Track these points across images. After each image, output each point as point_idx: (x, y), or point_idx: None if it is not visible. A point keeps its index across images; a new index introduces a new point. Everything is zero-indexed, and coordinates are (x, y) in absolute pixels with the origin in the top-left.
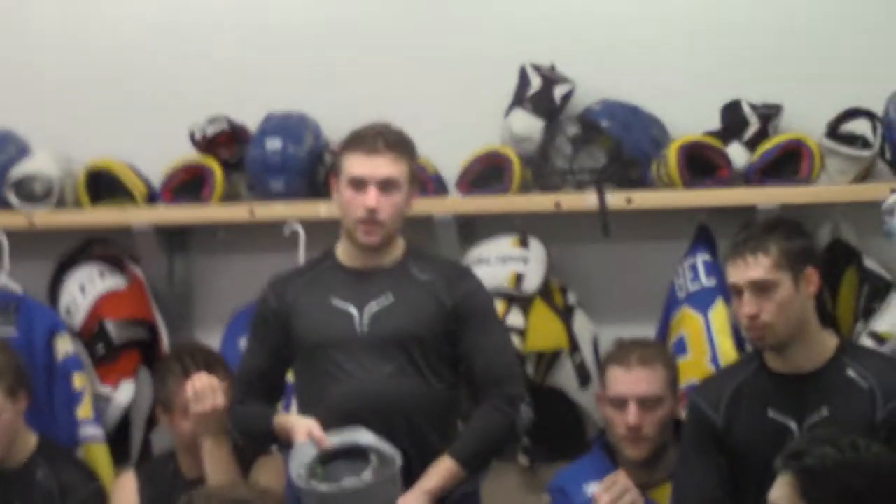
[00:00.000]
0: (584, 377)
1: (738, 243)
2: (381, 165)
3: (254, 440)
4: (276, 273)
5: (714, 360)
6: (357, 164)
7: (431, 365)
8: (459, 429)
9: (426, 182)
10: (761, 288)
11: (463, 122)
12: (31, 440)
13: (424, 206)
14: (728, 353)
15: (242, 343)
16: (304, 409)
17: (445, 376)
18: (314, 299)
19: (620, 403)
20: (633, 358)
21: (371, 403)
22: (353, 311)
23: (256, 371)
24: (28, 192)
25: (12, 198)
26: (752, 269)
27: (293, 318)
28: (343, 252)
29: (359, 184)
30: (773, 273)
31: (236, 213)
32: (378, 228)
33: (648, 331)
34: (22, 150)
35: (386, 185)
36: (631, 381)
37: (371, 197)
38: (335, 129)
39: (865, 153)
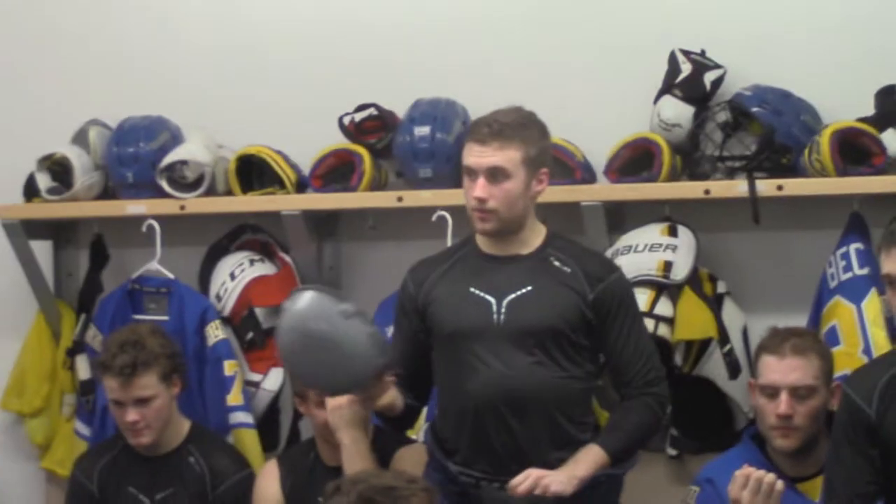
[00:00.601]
0: (733, 367)
1: (892, 231)
2: (487, 154)
3: (390, 424)
4: (417, 260)
5: (867, 351)
6: (468, 154)
7: (569, 356)
8: (594, 416)
9: (574, 169)
10: None
11: (612, 108)
12: (183, 426)
13: (572, 193)
14: (882, 344)
15: (388, 332)
16: (442, 399)
17: (583, 366)
18: (452, 287)
19: (772, 392)
20: (786, 346)
21: (508, 394)
22: (492, 300)
23: (399, 359)
24: (180, 178)
25: (164, 184)
26: None
27: (431, 306)
28: (481, 238)
29: (470, 173)
30: None
31: (384, 199)
32: (490, 216)
33: (799, 320)
34: (175, 138)
35: (493, 174)
36: (783, 369)
37: (478, 186)
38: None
39: None
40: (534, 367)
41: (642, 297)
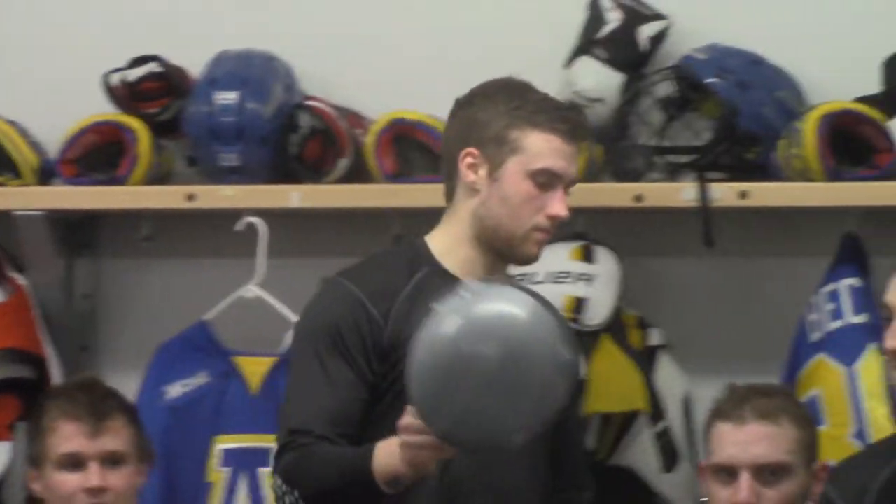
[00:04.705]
0: (669, 454)
1: None
2: (575, 160)
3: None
4: (350, 273)
5: (860, 434)
6: (553, 154)
7: (542, 456)
8: None
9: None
10: None
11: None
12: None
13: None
14: (882, 425)
15: (173, 390)
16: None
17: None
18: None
19: (729, 473)
20: (748, 409)
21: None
22: None
23: (341, 419)
24: None
25: None
26: None
27: (403, 348)
28: (461, 260)
29: (549, 180)
30: None
31: (167, 197)
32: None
33: None
34: None
35: (569, 188)
36: (745, 441)
37: (561, 200)
38: (316, 75)
39: None
40: (527, 467)
41: None
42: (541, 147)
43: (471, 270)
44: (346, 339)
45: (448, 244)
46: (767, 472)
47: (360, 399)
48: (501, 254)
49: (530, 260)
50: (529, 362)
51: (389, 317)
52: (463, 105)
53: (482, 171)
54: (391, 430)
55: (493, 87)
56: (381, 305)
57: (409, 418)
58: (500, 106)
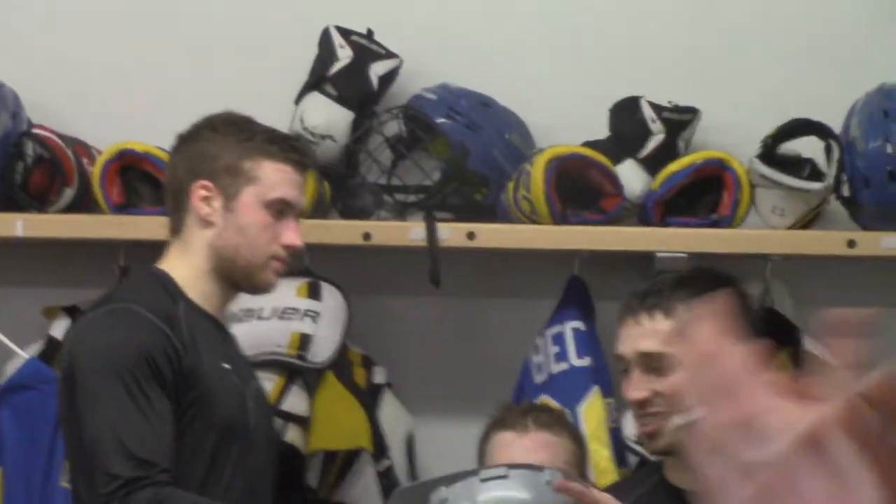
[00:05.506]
0: (390, 492)
1: (633, 298)
2: (303, 192)
3: None
4: (134, 300)
5: (582, 476)
6: (287, 184)
7: None
8: None
9: None
10: (654, 364)
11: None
12: None
13: None
14: (603, 466)
15: None
16: None
17: None
18: (206, 356)
19: None
20: (530, 420)
21: None
22: (241, 384)
23: (170, 436)
24: None
25: None
26: (645, 336)
27: (198, 378)
28: (201, 293)
29: (283, 209)
30: (673, 345)
31: None
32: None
33: None
34: None
35: (298, 218)
36: (528, 447)
37: (297, 231)
38: (44, 104)
39: (815, 186)
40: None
41: (267, 386)
42: (275, 177)
43: (212, 303)
44: (159, 367)
45: (188, 277)
46: None
47: (173, 428)
48: (238, 284)
49: (268, 288)
50: None
51: (183, 345)
52: (187, 139)
53: (216, 203)
54: (186, 459)
55: (218, 120)
56: (176, 333)
57: None
58: (229, 138)
